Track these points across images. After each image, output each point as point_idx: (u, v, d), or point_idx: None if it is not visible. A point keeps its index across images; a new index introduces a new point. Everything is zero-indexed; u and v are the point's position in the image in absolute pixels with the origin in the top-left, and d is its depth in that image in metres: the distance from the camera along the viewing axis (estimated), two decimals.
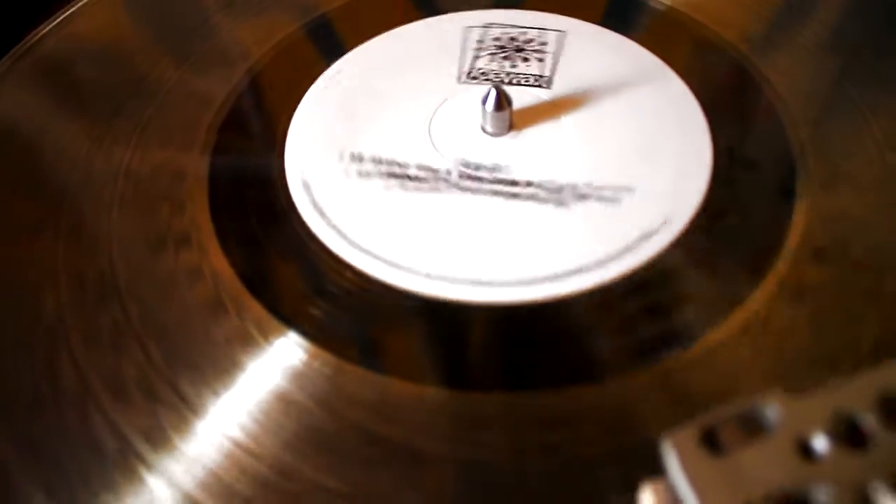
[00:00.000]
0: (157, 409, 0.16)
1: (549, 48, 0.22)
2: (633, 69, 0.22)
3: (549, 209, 0.18)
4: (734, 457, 0.13)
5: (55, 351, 0.17)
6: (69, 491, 0.15)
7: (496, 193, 0.19)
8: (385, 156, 0.20)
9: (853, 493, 0.12)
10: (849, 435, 0.13)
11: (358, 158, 0.20)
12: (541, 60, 0.22)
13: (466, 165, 0.19)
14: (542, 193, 0.19)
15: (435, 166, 0.20)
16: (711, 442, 0.13)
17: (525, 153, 0.20)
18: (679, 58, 0.22)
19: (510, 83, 0.21)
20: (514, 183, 0.19)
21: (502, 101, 0.19)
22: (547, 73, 0.22)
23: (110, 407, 0.16)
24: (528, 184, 0.19)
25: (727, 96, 0.22)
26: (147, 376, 0.17)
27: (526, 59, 0.22)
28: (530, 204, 0.19)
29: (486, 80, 0.21)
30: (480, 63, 0.22)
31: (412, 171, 0.19)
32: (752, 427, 0.13)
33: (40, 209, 0.20)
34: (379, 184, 0.19)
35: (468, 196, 0.19)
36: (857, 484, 0.12)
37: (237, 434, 0.16)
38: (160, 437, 0.16)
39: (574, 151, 0.20)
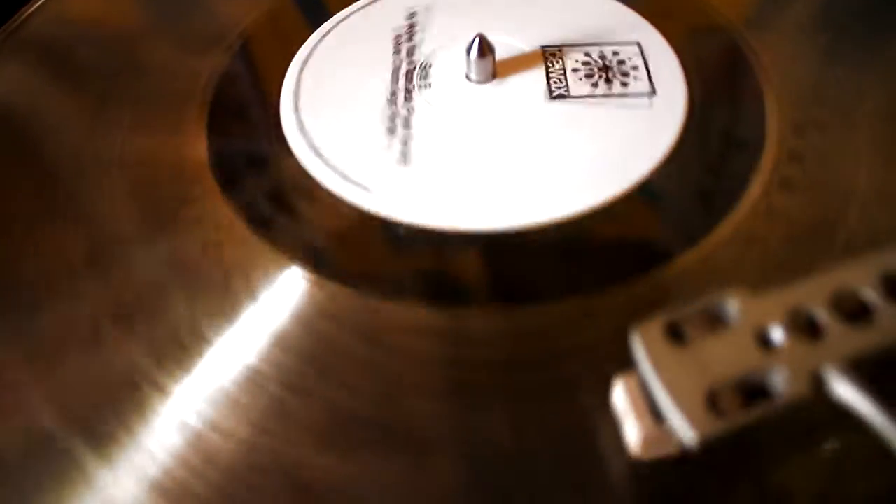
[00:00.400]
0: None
1: None
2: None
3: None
4: (697, 346, 0.14)
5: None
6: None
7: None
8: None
9: (807, 377, 0.13)
10: (803, 327, 0.14)
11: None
12: None
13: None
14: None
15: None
16: (676, 334, 0.14)
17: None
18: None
19: None
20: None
21: (485, 49, 0.20)
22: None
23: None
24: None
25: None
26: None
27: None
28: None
29: None
30: None
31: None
32: (715, 322, 0.14)
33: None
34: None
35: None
36: (810, 368, 0.13)
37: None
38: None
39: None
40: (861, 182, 0.19)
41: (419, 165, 0.19)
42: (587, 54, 0.22)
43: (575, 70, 0.21)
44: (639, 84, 0.21)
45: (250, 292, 0.18)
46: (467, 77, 0.21)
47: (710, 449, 0.13)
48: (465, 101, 0.21)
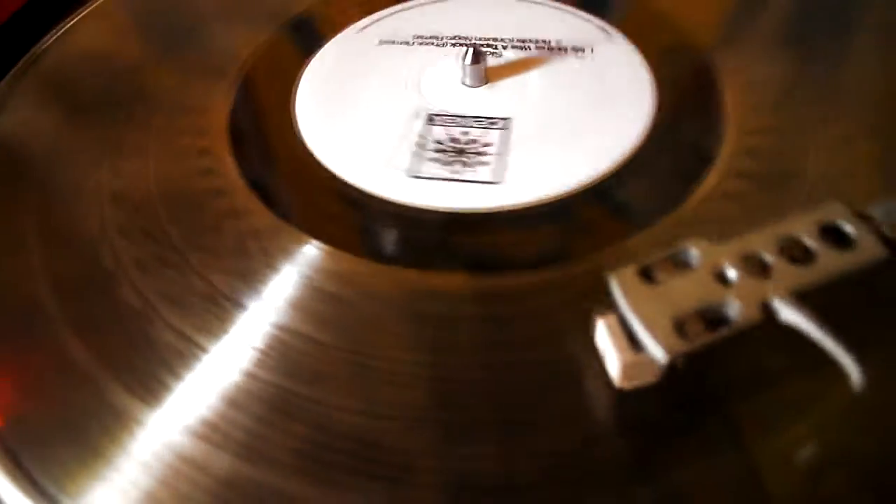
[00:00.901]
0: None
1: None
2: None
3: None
4: (665, 285, 0.16)
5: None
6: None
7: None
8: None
9: (757, 305, 0.16)
10: (755, 268, 0.16)
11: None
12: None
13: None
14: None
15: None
16: (648, 277, 0.16)
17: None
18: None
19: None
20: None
21: (478, 57, 0.23)
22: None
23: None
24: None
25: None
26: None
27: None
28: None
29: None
30: None
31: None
32: (680, 267, 0.17)
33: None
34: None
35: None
36: (760, 298, 0.16)
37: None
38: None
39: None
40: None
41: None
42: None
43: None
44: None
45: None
46: (462, 83, 0.24)
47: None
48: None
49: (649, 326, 0.15)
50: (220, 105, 0.25)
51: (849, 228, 0.17)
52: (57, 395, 0.18)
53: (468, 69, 0.23)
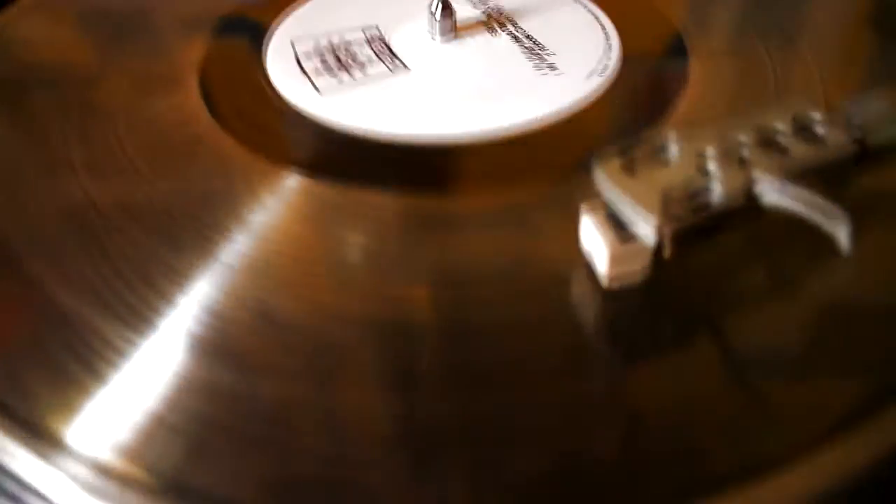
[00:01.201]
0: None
1: None
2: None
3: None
4: (649, 174, 0.16)
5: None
6: None
7: None
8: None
9: (740, 186, 0.16)
10: (734, 157, 0.17)
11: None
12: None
13: None
14: None
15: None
16: (630, 170, 0.17)
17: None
18: None
19: None
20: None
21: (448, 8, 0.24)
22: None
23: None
24: None
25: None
26: None
27: None
28: None
29: None
30: None
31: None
32: (662, 160, 0.17)
33: None
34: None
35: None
36: (741, 181, 0.16)
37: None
38: None
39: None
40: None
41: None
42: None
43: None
44: None
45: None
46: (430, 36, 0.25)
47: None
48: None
49: (639, 203, 0.16)
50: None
51: (819, 122, 0.17)
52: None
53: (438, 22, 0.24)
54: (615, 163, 0.17)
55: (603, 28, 0.25)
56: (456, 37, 0.24)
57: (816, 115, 0.18)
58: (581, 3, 0.26)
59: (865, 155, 0.17)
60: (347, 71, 0.24)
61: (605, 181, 0.16)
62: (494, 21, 0.26)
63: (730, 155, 0.17)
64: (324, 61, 0.24)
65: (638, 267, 0.16)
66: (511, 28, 0.25)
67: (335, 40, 0.25)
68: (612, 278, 0.16)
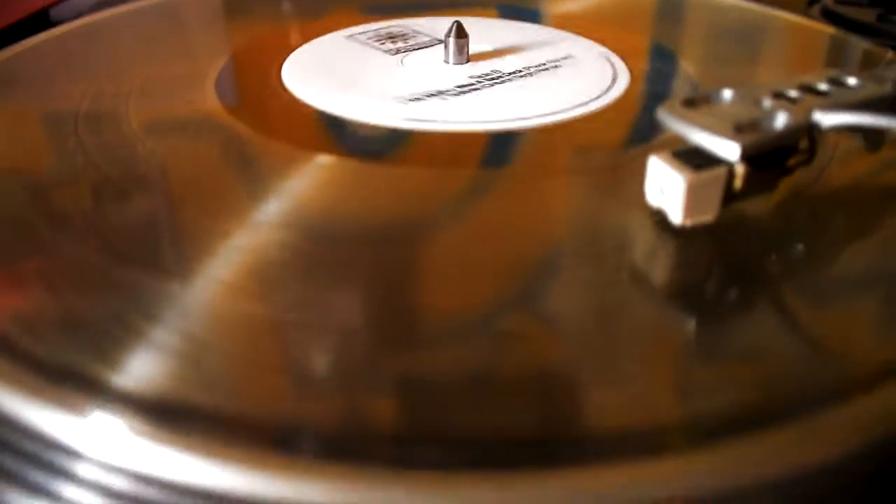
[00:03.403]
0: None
1: None
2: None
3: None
4: (713, 108, 0.17)
5: None
6: None
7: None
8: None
9: (802, 113, 0.16)
10: (785, 98, 0.17)
11: None
12: None
13: None
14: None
15: None
16: (692, 106, 0.17)
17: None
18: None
19: None
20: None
21: (462, 32, 0.25)
22: None
23: None
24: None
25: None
26: None
27: None
28: None
29: None
30: None
31: None
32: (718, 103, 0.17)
33: None
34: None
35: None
36: (803, 109, 0.17)
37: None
38: None
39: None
40: None
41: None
42: None
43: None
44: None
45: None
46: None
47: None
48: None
49: (714, 129, 0.16)
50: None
51: (854, 79, 0.18)
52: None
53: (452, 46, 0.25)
54: (677, 101, 0.17)
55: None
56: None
57: (851, 78, 0.18)
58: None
59: None
60: None
61: (671, 117, 0.16)
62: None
63: (781, 97, 0.17)
64: None
65: (713, 200, 0.16)
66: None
67: None
68: (687, 213, 0.16)
